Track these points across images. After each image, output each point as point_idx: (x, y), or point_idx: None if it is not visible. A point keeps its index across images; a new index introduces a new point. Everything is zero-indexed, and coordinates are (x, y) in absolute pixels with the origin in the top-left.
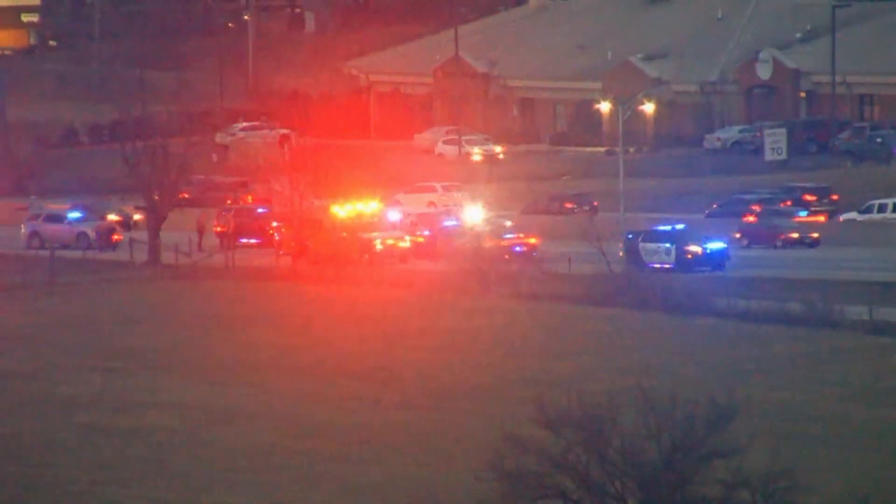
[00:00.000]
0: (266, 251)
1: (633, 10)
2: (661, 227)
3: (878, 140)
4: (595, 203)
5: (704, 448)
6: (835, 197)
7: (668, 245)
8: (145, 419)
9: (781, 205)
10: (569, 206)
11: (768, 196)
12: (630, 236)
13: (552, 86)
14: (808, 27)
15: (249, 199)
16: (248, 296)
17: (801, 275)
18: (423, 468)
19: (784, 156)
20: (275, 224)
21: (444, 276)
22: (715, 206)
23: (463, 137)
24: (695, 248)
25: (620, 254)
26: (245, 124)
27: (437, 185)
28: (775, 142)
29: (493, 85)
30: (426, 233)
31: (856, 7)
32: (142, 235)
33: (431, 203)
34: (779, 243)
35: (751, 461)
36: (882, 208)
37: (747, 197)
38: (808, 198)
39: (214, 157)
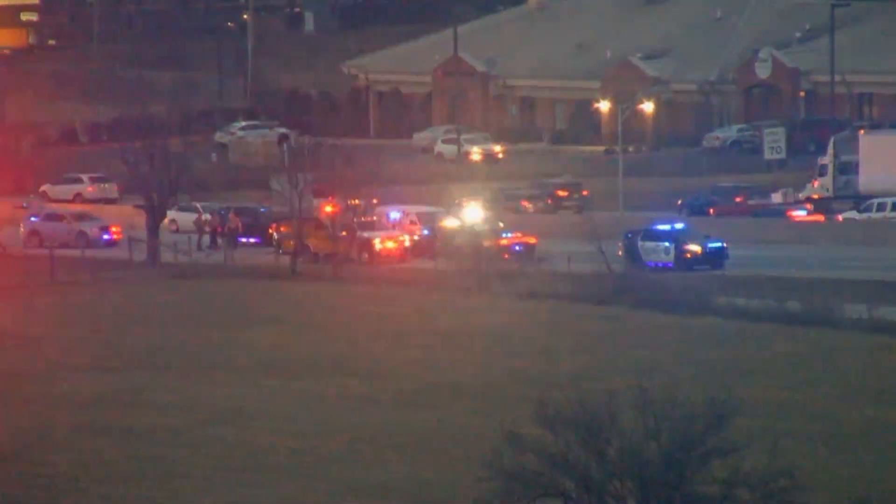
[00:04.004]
0: (266, 250)
1: (633, 10)
2: (660, 226)
3: None
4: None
5: (704, 447)
6: (585, 192)
7: (667, 244)
8: (145, 419)
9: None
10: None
11: (536, 192)
12: (629, 235)
13: (551, 85)
14: (808, 26)
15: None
16: (247, 295)
17: (800, 273)
18: (423, 468)
19: (783, 155)
20: (274, 224)
21: (443, 275)
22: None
23: (462, 137)
24: (694, 247)
25: (619, 253)
26: (244, 123)
27: (84, 177)
28: (774, 141)
29: (492, 84)
30: (425, 232)
31: (855, 7)
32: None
33: (78, 194)
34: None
35: (750, 460)
36: (881, 207)
37: (513, 193)
38: (561, 193)
39: (214, 157)
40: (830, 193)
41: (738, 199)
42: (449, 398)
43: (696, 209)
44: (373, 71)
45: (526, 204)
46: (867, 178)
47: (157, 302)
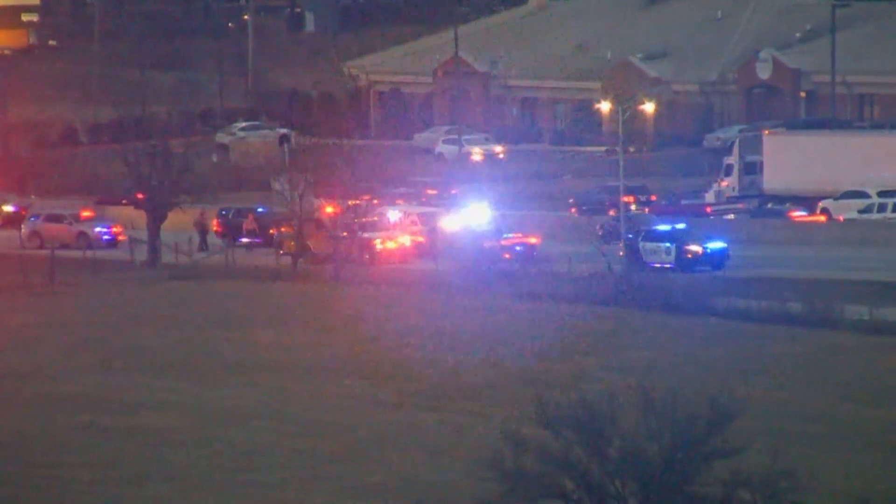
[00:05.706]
0: (266, 251)
1: (633, 10)
2: (662, 227)
3: None
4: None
5: (705, 448)
6: (454, 191)
7: (668, 244)
8: (146, 419)
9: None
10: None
11: (410, 191)
12: (630, 236)
13: (552, 85)
14: (808, 27)
15: None
16: (247, 295)
17: (801, 274)
18: (423, 468)
19: None
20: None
21: (444, 275)
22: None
23: (463, 137)
24: (695, 248)
25: (620, 253)
26: (245, 124)
27: None
28: None
29: (493, 84)
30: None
31: (855, 7)
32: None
33: None
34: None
35: (751, 461)
36: (882, 208)
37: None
38: (431, 191)
39: (214, 157)
40: (736, 193)
41: (625, 199)
42: (449, 398)
43: (585, 209)
44: (373, 71)
45: (400, 202)
46: (771, 178)
47: (157, 302)
